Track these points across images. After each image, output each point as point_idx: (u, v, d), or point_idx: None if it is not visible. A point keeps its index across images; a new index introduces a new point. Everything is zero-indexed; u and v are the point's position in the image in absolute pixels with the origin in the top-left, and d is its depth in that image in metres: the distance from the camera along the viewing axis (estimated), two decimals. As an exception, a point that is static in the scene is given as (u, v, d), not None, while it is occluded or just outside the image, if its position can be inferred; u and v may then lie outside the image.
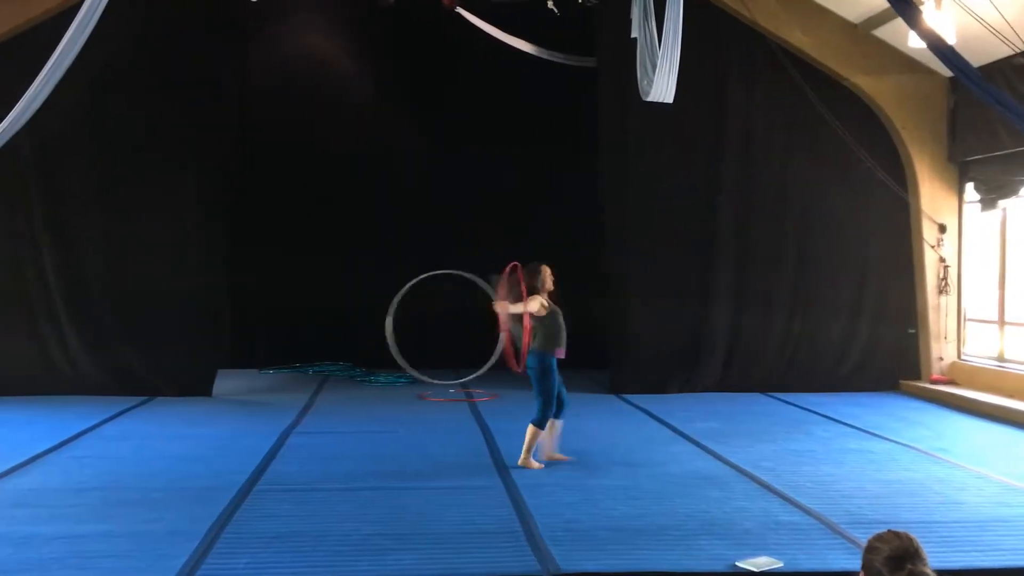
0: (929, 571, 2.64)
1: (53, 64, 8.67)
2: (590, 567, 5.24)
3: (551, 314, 7.65)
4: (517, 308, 7.56)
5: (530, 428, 7.63)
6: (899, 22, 10.24)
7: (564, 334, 7.70)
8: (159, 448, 8.49)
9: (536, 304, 7.59)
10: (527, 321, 7.63)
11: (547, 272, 7.76)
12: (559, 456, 7.90)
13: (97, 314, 11.62)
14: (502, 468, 7.66)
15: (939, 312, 12.11)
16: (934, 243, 12.07)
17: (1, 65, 10.79)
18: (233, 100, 13.51)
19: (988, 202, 11.73)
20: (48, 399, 11.03)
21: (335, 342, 13.99)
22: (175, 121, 11.65)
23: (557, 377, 7.67)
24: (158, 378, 11.50)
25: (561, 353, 7.69)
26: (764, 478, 7.36)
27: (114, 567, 5.22)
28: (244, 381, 12.89)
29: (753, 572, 5.18)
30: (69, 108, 10.82)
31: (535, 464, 7.63)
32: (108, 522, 6.08)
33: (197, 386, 11.51)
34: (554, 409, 7.69)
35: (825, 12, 12.04)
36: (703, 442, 8.82)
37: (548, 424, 7.74)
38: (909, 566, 2.62)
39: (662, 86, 8.60)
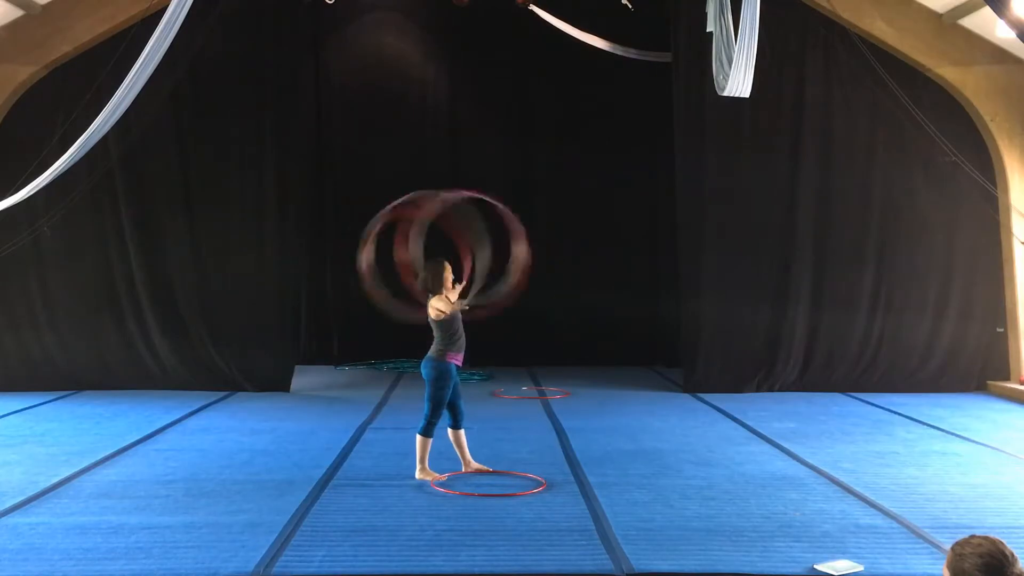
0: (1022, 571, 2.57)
1: (138, 69, 8.97)
2: (663, 567, 5.19)
3: (451, 317, 7.05)
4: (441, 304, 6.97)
5: (418, 438, 7.13)
6: (986, 11, 9.93)
7: (464, 339, 7.13)
8: (239, 442, 8.69)
9: (445, 304, 7.01)
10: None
11: (448, 269, 7.15)
12: (483, 467, 7.35)
13: (181, 312, 11.94)
14: (575, 466, 7.64)
15: (1029, 310, 11.68)
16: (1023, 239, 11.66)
17: (88, 71, 11.17)
18: (310, 101, 13.77)
19: (1082, 196, 11.28)
20: (134, 393, 11.43)
21: (409, 339, 14.12)
22: (254, 124, 11.94)
23: (455, 385, 7.13)
24: (239, 374, 11.79)
25: (460, 359, 7.13)
26: (844, 480, 7.19)
27: (196, 557, 5.35)
28: (321, 377, 13.15)
29: (832, 576, 5.08)
30: (154, 112, 11.17)
31: (433, 475, 7.09)
32: (191, 513, 6.25)
33: (276, 382, 11.76)
34: (440, 418, 7.12)
35: (909, 2, 11.69)
36: (780, 442, 8.66)
37: (452, 436, 7.30)
38: (1007, 571, 2.55)
39: (738, 80, 8.49)
